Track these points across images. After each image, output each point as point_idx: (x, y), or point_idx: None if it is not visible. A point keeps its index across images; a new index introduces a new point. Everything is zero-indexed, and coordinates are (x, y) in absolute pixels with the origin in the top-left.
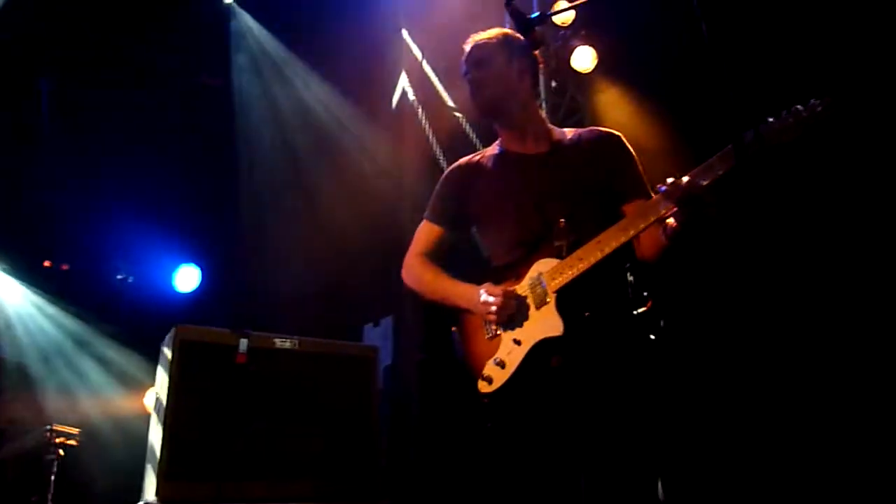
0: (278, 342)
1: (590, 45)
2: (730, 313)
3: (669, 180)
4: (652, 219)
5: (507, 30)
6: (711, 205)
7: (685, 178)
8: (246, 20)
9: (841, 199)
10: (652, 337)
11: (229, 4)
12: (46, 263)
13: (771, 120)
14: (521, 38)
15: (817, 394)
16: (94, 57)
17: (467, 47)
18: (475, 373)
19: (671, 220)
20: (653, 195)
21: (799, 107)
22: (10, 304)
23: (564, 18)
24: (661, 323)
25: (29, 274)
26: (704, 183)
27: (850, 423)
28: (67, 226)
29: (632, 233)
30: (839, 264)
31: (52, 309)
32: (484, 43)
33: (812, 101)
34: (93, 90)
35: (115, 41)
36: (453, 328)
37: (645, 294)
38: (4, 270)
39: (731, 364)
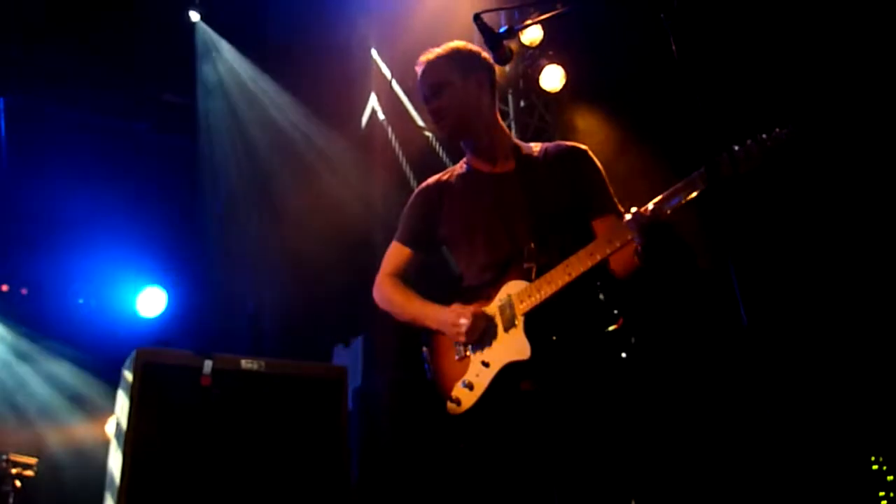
0: (244, 363)
1: (558, 65)
2: (702, 329)
3: (633, 209)
4: (618, 244)
5: (456, 43)
6: (674, 230)
7: (650, 206)
8: (213, 38)
9: (810, 217)
10: (623, 355)
11: (196, 23)
12: (4, 288)
13: (736, 148)
14: (471, 49)
15: (791, 409)
16: (55, 76)
17: (419, 69)
18: (444, 394)
19: (636, 245)
20: (621, 209)
21: (763, 135)
22: None
23: (532, 38)
24: (632, 340)
25: None
26: (668, 210)
27: (825, 439)
28: (26, 249)
29: (598, 258)
30: (809, 280)
31: (10, 335)
32: (437, 64)
33: (776, 129)
34: (53, 109)
35: (78, 59)
36: (424, 348)
37: (616, 312)
38: None
39: (703, 380)
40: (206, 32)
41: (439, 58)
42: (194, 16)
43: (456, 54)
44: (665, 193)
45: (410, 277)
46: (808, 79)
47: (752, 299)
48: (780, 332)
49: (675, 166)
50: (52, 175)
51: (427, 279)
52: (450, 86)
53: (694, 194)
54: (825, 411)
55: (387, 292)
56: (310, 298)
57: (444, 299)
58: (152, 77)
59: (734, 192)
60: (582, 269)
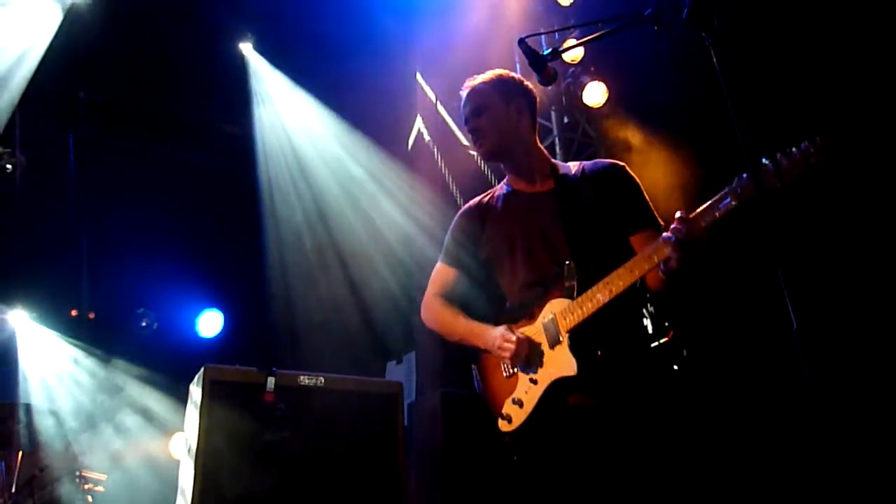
0: (304, 380)
1: (600, 80)
2: (755, 338)
3: (672, 226)
4: (656, 260)
5: (499, 70)
6: (706, 244)
7: (685, 223)
8: (263, 67)
9: (854, 222)
10: (675, 367)
11: (248, 55)
12: (73, 312)
13: (766, 162)
14: (513, 76)
15: (849, 420)
16: (118, 109)
17: (463, 93)
18: (494, 410)
19: (670, 261)
20: (660, 222)
21: (793, 149)
22: (40, 352)
23: (574, 56)
24: (684, 353)
25: (57, 322)
26: (703, 225)
27: (881, 446)
28: (92, 275)
29: (637, 274)
30: (862, 284)
31: (81, 355)
32: (480, 89)
33: (804, 143)
34: (116, 141)
35: (137, 93)
36: (473, 366)
37: (666, 324)
38: (35, 319)
39: (758, 390)
40: (258, 61)
41: (483, 83)
42: (246, 48)
43: (498, 80)
44: (701, 208)
45: (457, 297)
46: (846, 90)
47: (801, 303)
48: (832, 337)
49: (716, 180)
50: (117, 206)
51: (477, 297)
52: (490, 108)
53: (728, 209)
54: (883, 415)
55: (434, 312)
56: (363, 316)
57: (491, 318)
58: (210, 107)
59: (775, 204)
60: (622, 286)
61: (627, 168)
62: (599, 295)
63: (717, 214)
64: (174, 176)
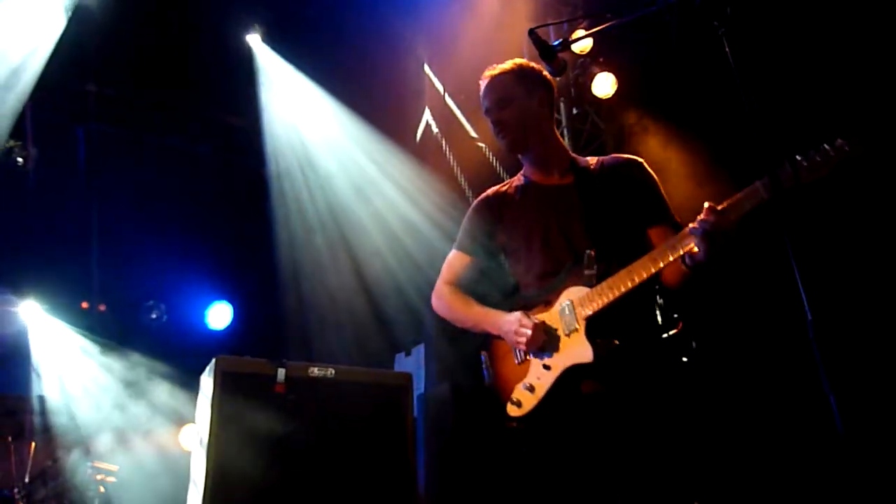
0: (315, 371)
1: (609, 72)
2: (763, 332)
3: (699, 217)
4: (682, 251)
5: (520, 60)
6: (734, 236)
7: (715, 214)
8: (271, 59)
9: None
10: (684, 359)
11: (255, 46)
12: (84, 305)
13: (799, 158)
14: (534, 67)
15: (857, 414)
16: (127, 102)
17: (483, 82)
18: (504, 396)
19: (696, 252)
20: (676, 219)
21: (826, 146)
22: (52, 344)
23: (582, 47)
24: (693, 345)
25: (68, 314)
26: (733, 218)
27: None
28: (103, 268)
29: (661, 264)
30: (873, 283)
31: (92, 347)
32: (502, 79)
33: (839, 140)
34: (126, 134)
35: (146, 86)
36: (482, 352)
37: (675, 316)
38: (46, 311)
39: (765, 383)
40: (266, 53)
41: (505, 73)
42: (254, 39)
43: (521, 71)
44: (729, 201)
45: (469, 286)
46: (869, 82)
47: (816, 300)
48: (845, 332)
49: (728, 170)
50: (127, 199)
51: (487, 286)
52: (514, 100)
53: (758, 203)
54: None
55: (447, 299)
56: (372, 308)
57: (504, 307)
58: (217, 101)
59: (797, 202)
60: (646, 275)
61: (645, 164)
62: (621, 284)
63: (748, 207)
64: (183, 168)
